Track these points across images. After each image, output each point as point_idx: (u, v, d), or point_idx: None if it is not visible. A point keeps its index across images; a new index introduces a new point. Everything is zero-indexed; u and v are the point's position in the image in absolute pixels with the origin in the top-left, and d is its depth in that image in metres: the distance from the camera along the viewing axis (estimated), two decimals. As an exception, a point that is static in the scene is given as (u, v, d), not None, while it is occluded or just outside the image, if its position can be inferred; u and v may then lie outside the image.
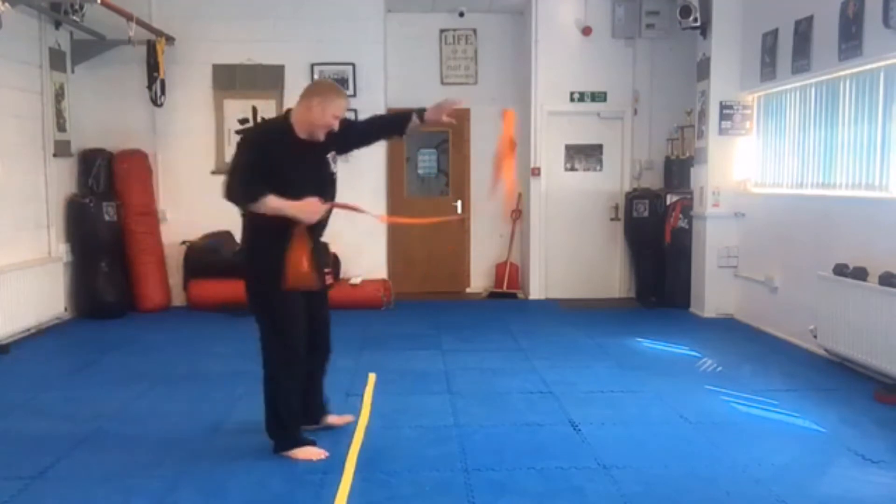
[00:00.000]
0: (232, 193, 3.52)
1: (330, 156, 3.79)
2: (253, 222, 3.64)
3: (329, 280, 3.89)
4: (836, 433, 4.09)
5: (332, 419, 4.08)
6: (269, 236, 3.57)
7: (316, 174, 3.72)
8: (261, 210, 3.51)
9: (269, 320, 3.72)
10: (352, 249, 8.14)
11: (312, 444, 3.74)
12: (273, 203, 3.48)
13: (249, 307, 3.80)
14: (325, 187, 3.75)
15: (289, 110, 3.81)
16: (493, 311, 7.83)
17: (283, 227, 3.53)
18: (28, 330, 6.43)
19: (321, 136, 3.68)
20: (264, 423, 3.75)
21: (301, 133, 3.66)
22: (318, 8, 8.06)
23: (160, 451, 3.77)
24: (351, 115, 7.94)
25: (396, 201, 8.88)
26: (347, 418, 4.16)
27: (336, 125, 3.68)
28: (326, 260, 3.90)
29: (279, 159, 3.56)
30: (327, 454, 3.68)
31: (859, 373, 5.22)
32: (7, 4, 5.60)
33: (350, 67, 8.10)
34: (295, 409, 3.74)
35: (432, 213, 9.04)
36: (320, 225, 3.74)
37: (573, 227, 8.61)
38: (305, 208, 3.54)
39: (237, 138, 3.83)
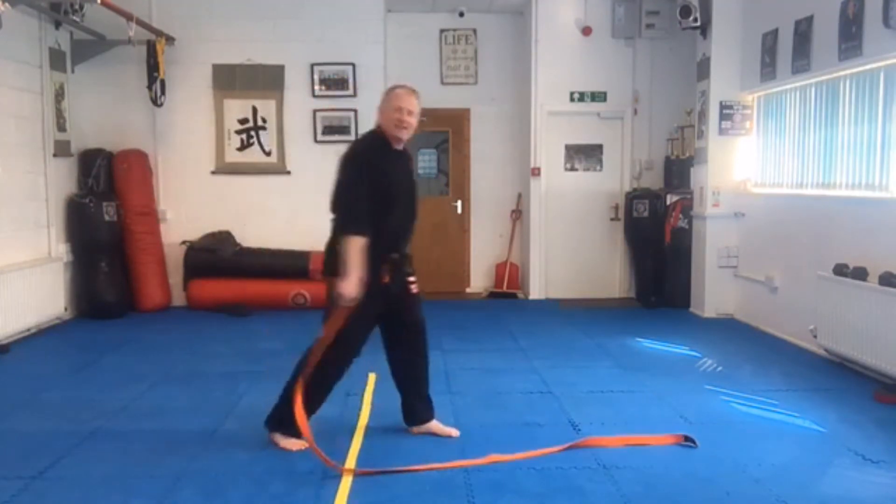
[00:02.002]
0: (345, 223, 3.58)
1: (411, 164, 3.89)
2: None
3: (414, 289, 3.90)
4: (836, 433, 4.09)
5: (436, 426, 4.00)
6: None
7: (408, 187, 3.79)
8: (346, 245, 3.54)
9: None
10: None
11: (299, 436, 3.71)
12: (356, 250, 3.53)
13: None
14: (414, 199, 3.82)
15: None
16: (493, 311, 7.83)
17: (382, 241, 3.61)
18: (28, 330, 6.43)
19: (404, 137, 3.73)
20: (282, 395, 3.75)
21: (392, 140, 3.72)
22: (318, 8, 8.06)
23: (160, 451, 3.77)
24: (351, 115, 8.12)
25: (396, 201, 8.87)
26: (454, 432, 3.99)
27: (407, 119, 3.68)
28: (410, 269, 3.88)
29: (385, 170, 3.63)
30: (306, 446, 3.65)
31: (859, 373, 5.22)
32: (7, 4, 5.60)
33: (350, 67, 8.10)
34: (320, 402, 3.80)
35: (432, 213, 9.06)
36: (406, 236, 3.81)
37: (573, 227, 8.61)
38: (353, 288, 3.53)
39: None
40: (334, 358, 3.72)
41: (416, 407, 4.00)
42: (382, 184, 3.61)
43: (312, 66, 8.08)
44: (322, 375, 3.71)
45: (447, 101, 8.86)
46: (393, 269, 3.71)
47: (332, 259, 3.66)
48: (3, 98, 6.31)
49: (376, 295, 3.66)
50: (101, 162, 7.51)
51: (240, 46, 8.00)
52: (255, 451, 3.77)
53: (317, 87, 8.11)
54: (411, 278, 3.88)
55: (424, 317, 4.00)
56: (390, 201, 3.63)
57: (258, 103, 8.10)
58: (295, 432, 3.70)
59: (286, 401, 3.72)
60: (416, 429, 4.00)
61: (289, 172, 8.17)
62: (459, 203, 9.06)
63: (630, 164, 8.57)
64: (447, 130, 9.05)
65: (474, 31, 8.85)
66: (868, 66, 5.28)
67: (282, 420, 3.75)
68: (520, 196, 8.89)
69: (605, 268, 8.69)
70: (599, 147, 8.63)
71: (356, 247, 3.54)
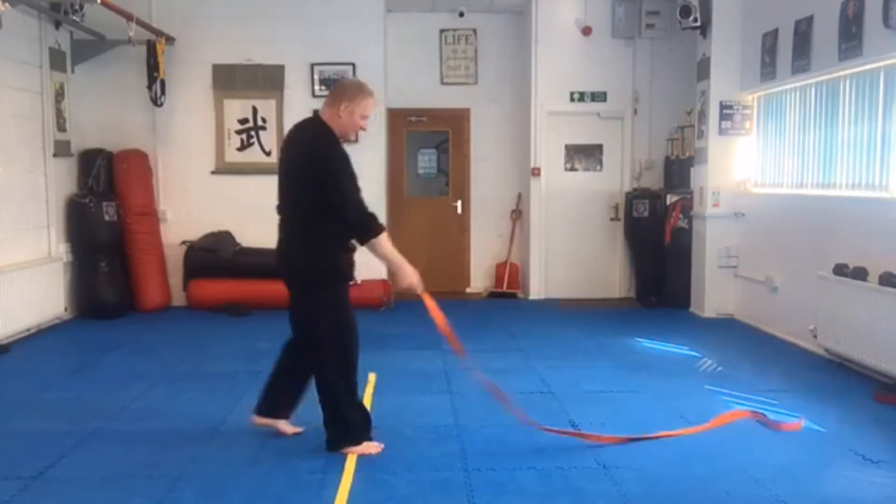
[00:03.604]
0: (362, 226, 3.51)
1: None
2: (321, 227, 3.55)
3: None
4: (836, 433, 4.09)
5: (285, 426, 3.93)
6: (335, 242, 3.57)
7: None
8: (377, 245, 3.52)
9: (334, 328, 3.63)
10: (352, 249, 8.15)
11: (370, 438, 3.75)
12: (388, 246, 3.53)
13: (306, 312, 3.67)
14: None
15: (316, 113, 3.71)
16: (493, 311, 7.83)
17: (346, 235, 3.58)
18: (28, 330, 6.43)
19: (353, 138, 3.71)
20: (325, 423, 3.72)
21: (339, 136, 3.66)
22: (318, 8, 8.06)
23: (160, 451, 3.76)
24: (351, 115, 8.11)
25: (396, 201, 8.89)
26: (297, 430, 3.95)
27: (366, 125, 3.67)
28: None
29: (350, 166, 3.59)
30: (382, 445, 3.71)
31: (859, 373, 5.22)
32: (7, 4, 5.60)
33: (350, 67, 8.10)
34: (360, 408, 3.77)
35: (432, 213, 9.07)
36: None
37: (573, 227, 8.61)
38: (408, 274, 3.59)
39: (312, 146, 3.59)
40: (347, 351, 3.70)
41: (279, 400, 3.89)
42: (356, 183, 3.59)
43: (312, 66, 8.08)
44: (346, 369, 3.69)
45: (447, 101, 8.87)
46: (350, 257, 3.69)
47: (314, 260, 3.58)
48: (3, 98, 6.31)
49: (345, 282, 3.68)
50: (101, 162, 7.51)
51: (240, 46, 8.00)
52: (255, 452, 3.77)
53: (317, 87, 8.11)
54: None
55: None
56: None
57: (258, 103, 8.10)
58: (360, 438, 3.69)
59: (334, 413, 3.68)
60: (261, 420, 3.89)
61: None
62: (459, 203, 9.06)
63: (630, 164, 8.57)
64: (447, 130, 9.05)
65: (474, 31, 8.85)
66: (868, 66, 5.28)
67: (340, 436, 3.70)
68: (520, 196, 8.88)
69: (605, 268, 8.69)
70: (599, 147, 8.63)
71: (388, 241, 3.56)
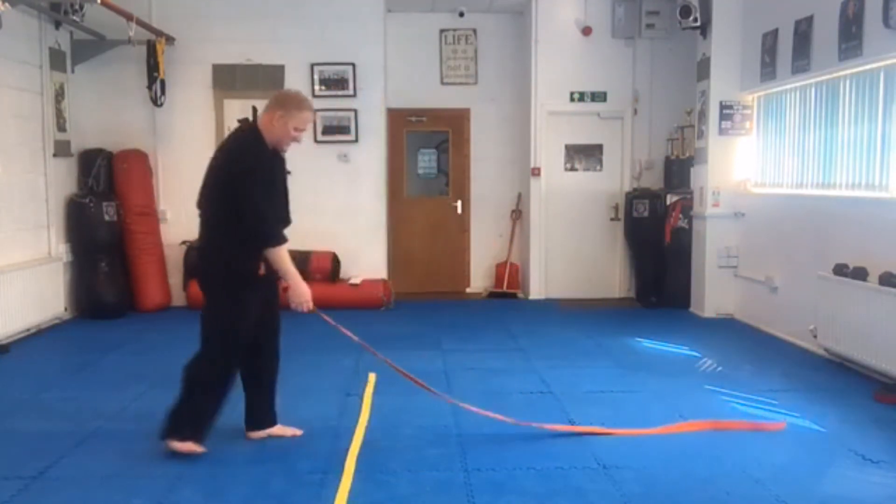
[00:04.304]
0: (268, 238, 3.57)
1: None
2: (235, 231, 3.60)
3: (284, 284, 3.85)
4: (836, 433, 4.09)
5: (280, 430, 3.96)
6: (248, 247, 3.60)
7: (284, 189, 3.80)
8: (272, 256, 3.56)
9: (228, 333, 3.67)
10: (352, 249, 8.16)
11: (200, 441, 3.71)
12: (286, 258, 3.57)
13: (208, 308, 3.76)
14: (287, 203, 3.85)
15: (253, 123, 3.74)
16: (493, 311, 7.83)
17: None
18: (28, 330, 6.43)
19: (286, 149, 3.72)
20: (173, 409, 3.68)
21: (269, 145, 3.66)
22: (318, 8, 8.06)
23: (160, 451, 3.76)
24: (351, 116, 8.13)
25: (396, 201, 8.89)
26: (296, 432, 3.97)
27: (300, 138, 3.68)
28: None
29: (273, 178, 3.63)
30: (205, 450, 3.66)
31: (859, 373, 5.22)
32: (7, 4, 5.60)
33: (350, 67, 8.10)
34: (213, 413, 3.72)
35: (432, 213, 9.07)
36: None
37: (573, 227, 8.61)
38: (300, 290, 3.62)
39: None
40: (230, 358, 3.71)
41: (258, 412, 3.91)
42: (270, 191, 3.63)
43: (312, 66, 8.09)
44: (223, 374, 3.69)
45: (447, 101, 8.87)
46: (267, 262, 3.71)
47: (217, 256, 3.65)
48: (3, 98, 6.31)
49: (256, 286, 3.69)
50: (101, 162, 7.51)
51: (240, 46, 8.00)
52: (255, 451, 3.77)
53: (317, 87, 8.11)
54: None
55: (277, 343, 3.97)
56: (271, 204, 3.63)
57: (258, 103, 8.07)
58: (192, 437, 3.66)
59: (187, 405, 3.66)
60: (254, 434, 3.90)
61: (289, 172, 8.10)
62: (459, 203, 9.06)
63: (630, 164, 8.57)
64: (447, 130, 9.05)
65: (474, 31, 8.85)
66: (868, 66, 5.28)
67: (178, 427, 3.67)
68: (520, 196, 8.88)
69: (605, 268, 8.69)
70: (599, 147, 8.63)
71: (286, 255, 3.61)
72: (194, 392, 3.66)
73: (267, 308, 3.81)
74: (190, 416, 3.66)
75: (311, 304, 3.68)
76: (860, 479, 3.49)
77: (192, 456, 3.67)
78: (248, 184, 3.54)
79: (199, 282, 3.83)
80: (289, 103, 3.61)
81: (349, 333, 3.93)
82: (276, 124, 3.60)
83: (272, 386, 3.94)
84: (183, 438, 3.65)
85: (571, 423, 4.22)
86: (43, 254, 6.86)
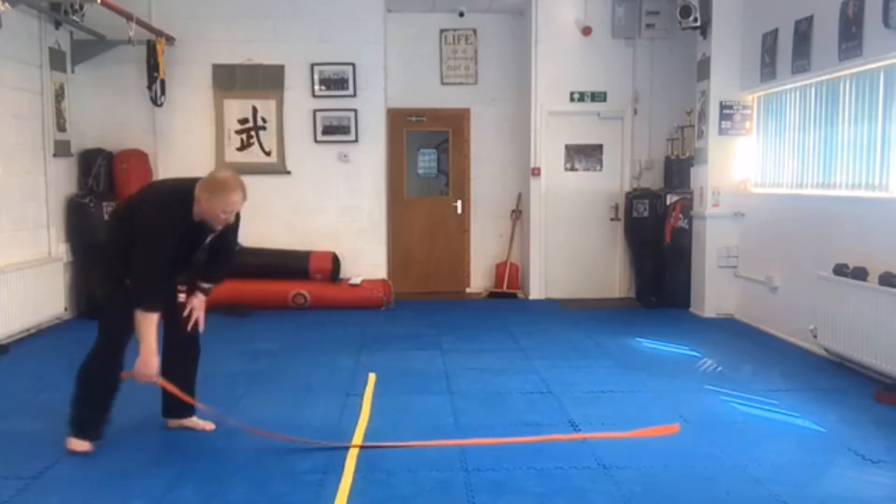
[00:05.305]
0: (141, 301, 3.58)
1: (211, 237, 3.81)
2: (118, 241, 3.71)
3: (181, 297, 3.95)
4: (836, 433, 4.09)
5: (194, 422, 4.07)
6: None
7: (190, 250, 3.79)
8: (137, 317, 3.57)
9: (112, 318, 3.75)
10: (352, 249, 8.17)
11: (86, 440, 3.80)
12: (149, 325, 3.59)
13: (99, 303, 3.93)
14: (188, 260, 3.85)
15: (192, 184, 3.71)
16: (493, 311, 7.83)
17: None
18: (28, 330, 6.43)
19: (216, 228, 3.72)
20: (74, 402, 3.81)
21: (196, 216, 3.66)
22: (318, 8, 8.07)
23: (160, 451, 3.76)
24: (351, 116, 8.13)
25: (396, 201, 8.89)
26: (209, 426, 4.07)
27: (228, 218, 3.69)
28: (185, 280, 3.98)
29: (176, 240, 3.63)
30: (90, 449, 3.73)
31: (859, 373, 5.22)
32: (7, 4, 5.60)
33: (350, 67, 8.11)
34: (95, 409, 3.81)
35: (432, 213, 9.07)
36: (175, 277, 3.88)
37: (573, 227, 8.61)
38: (148, 362, 3.63)
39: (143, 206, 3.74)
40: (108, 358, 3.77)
41: (174, 404, 4.02)
42: (162, 254, 3.62)
43: (312, 66, 8.09)
44: (100, 375, 3.78)
45: (447, 101, 8.87)
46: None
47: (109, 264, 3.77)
48: (3, 98, 6.31)
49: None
50: (101, 162, 7.51)
51: (240, 46, 8.01)
52: (255, 451, 3.77)
53: (317, 87, 8.12)
54: (179, 287, 3.95)
55: (196, 334, 4.01)
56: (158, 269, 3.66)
57: (258, 103, 8.10)
58: (77, 433, 3.76)
59: (75, 397, 3.81)
60: (172, 422, 4.06)
61: (289, 172, 8.18)
62: (459, 203, 9.06)
63: (630, 164, 8.57)
64: (447, 130, 9.05)
65: (474, 31, 8.85)
66: (868, 66, 5.28)
67: (71, 420, 3.80)
68: (520, 196, 8.89)
69: (605, 268, 8.69)
70: (599, 147, 8.63)
71: (152, 323, 3.60)
72: (76, 394, 3.84)
73: (169, 313, 3.88)
74: (74, 411, 3.83)
75: (153, 379, 3.73)
76: (860, 479, 3.49)
77: (191, 456, 3.67)
78: (151, 239, 3.59)
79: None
80: (216, 187, 3.60)
81: (231, 421, 4.03)
82: (204, 206, 3.61)
83: (189, 370, 4.07)
84: (74, 435, 3.78)
85: (571, 423, 4.21)
86: (43, 254, 6.86)
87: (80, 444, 3.75)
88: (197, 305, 3.90)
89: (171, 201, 3.66)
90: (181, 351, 4.00)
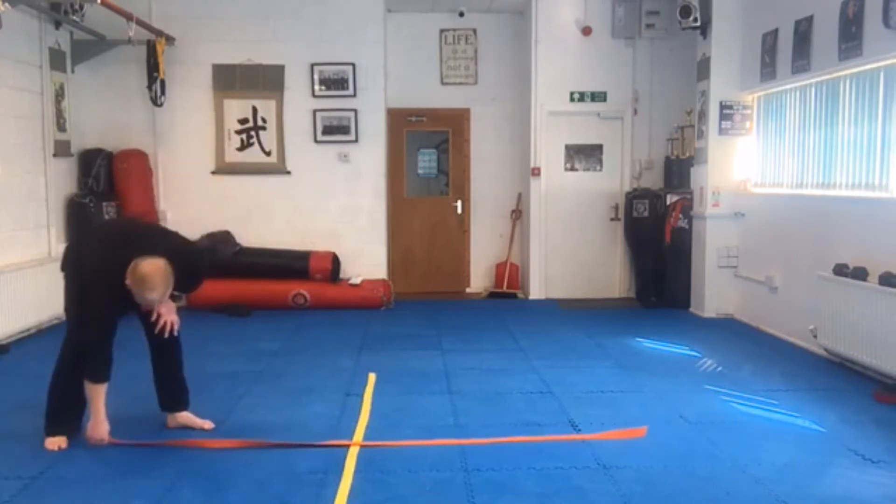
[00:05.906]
0: (89, 371, 3.69)
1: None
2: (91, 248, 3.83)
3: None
4: (836, 433, 4.09)
5: (193, 421, 4.10)
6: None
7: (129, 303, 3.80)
8: (87, 387, 3.70)
9: (84, 314, 3.78)
10: (352, 249, 8.17)
11: (57, 434, 3.85)
12: (97, 395, 3.71)
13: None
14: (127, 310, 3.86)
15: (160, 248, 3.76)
16: (493, 311, 7.83)
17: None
18: (28, 330, 6.42)
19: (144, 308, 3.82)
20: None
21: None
22: (318, 8, 8.07)
23: (160, 451, 3.76)
24: (351, 116, 8.13)
25: (396, 201, 8.89)
26: (208, 425, 4.10)
27: (153, 307, 3.77)
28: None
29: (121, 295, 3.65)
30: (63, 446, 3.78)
31: (859, 373, 5.22)
32: (7, 4, 5.60)
33: (350, 67, 8.11)
34: (64, 406, 3.87)
35: (432, 213, 9.07)
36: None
37: (573, 227, 8.61)
38: (98, 428, 3.74)
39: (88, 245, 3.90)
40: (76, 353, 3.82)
41: (165, 398, 4.14)
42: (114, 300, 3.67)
43: (312, 66, 8.09)
44: (66, 374, 3.86)
45: (447, 101, 8.87)
46: None
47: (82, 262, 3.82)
48: (3, 98, 6.31)
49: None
50: (101, 162, 7.52)
51: (240, 46, 8.01)
52: (255, 451, 3.77)
53: (317, 87, 8.12)
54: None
55: (173, 338, 4.03)
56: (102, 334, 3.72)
57: (258, 103, 8.10)
58: (50, 431, 3.83)
59: (48, 397, 3.86)
60: (171, 422, 4.13)
61: (289, 172, 8.18)
62: (459, 203, 9.06)
63: (630, 164, 8.57)
64: (447, 130, 9.05)
65: (474, 31, 8.85)
66: (868, 66, 5.28)
67: (46, 419, 3.88)
68: (520, 196, 8.89)
69: (605, 268, 8.69)
70: (599, 147, 8.63)
71: (101, 393, 3.71)
72: (51, 391, 3.90)
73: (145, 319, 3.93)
74: (48, 409, 3.89)
75: (105, 441, 3.77)
76: (860, 479, 3.49)
77: (192, 456, 3.67)
78: (98, 303, 3.68)
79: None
80: (136, 281, 3.59)
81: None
82: (130, 284, 3.61)
83: (174, 370, 4.13)
84: (48, 433, 3.84)
85: (571, 423, 4.21)
86: (43, 254, 6.86)
87: (51, 442, 3.81)
88: (164, 312, 3.87)
89: (112, 263, 3.64)
90: (160, 352, 4.07)
